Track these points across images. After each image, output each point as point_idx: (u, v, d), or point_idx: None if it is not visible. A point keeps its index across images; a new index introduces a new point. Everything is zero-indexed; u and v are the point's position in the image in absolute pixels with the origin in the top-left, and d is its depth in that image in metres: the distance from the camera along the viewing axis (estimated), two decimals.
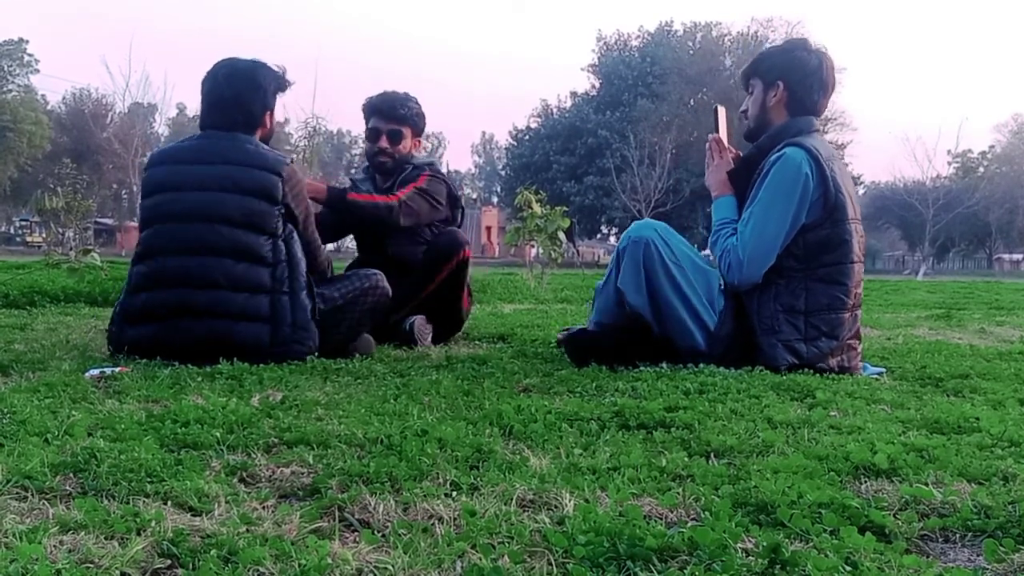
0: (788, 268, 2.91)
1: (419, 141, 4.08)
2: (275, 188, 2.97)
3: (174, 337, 2.87)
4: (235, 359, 2.75)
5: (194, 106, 69.79)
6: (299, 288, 2.97)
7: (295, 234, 3.03)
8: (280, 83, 3.20)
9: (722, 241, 2.99)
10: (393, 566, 1.09)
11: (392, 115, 3.94)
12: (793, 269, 2.91)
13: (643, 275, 2.96)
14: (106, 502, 1.33)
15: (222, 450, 1.67)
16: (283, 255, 2.96)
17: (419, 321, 3.67)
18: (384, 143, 3.91)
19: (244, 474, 1.53)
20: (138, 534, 1.17)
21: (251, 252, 2.91)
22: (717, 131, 3.19)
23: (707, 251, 3.53)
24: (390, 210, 3.69)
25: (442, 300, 3.80)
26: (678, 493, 1.41)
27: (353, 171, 4.29)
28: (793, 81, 3.03)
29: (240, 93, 3.08)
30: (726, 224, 3.03)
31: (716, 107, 3.34)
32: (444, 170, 4.26)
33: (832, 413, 2.14)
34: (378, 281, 3.28)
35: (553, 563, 1.12)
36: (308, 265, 3.13)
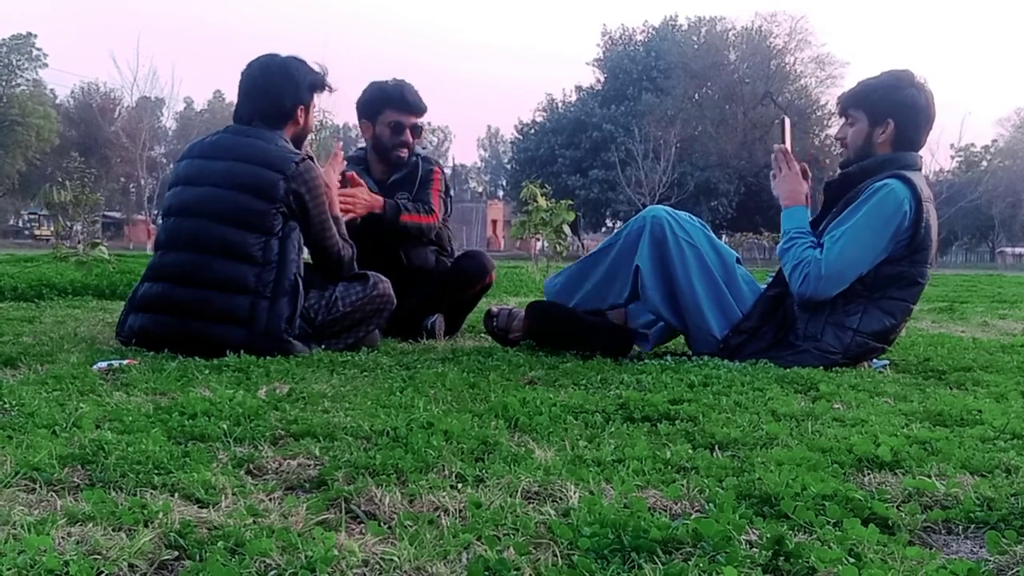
0: (853, 292, 2.90)
1: None
2: (273, 186, 2.92)
3: (159, 331, 2.92)
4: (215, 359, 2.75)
5: (201, 100, 69.94)
6: (281, 292, 2.91)
7: (294, 234, 2.98)
8: (316, 80, 3.17)
9: (799, 250, 2.93)
10: (399, 558, 1.09)
11: (416, 108, 3.89)
12: (858, 293, 2.90)
13: (658, 257, 2.96)
14: (114, 494, 1.34)
15: (229, 442, 1.68)
16: (274, 255, 2.91)
17: (440, 320, 3.73)
18: (408, 137, 3.86)
19: (251, 466, 1.54)
20: (145, 526, 1.18)
21: (239, 250, 2.88)
22: (783, 142, 3.18)
23: None
24: (431, 229, 3.79)
25: (453, 310, 3.85)
26: (682, 485, 1.42)
27: (346, 164, 4.22)
28: (903, 119, 2.99)
29: (271, 84, 3.08)
30: (803, 234, 2.98)
31: (783, 119, 3.36)
32: (450, 164, 4.26)
33: (835, 406, 2.14)
34: (386, 289, 3.25)
35: (558, 555, 1.13)
36: (319, 265, 3.15)
